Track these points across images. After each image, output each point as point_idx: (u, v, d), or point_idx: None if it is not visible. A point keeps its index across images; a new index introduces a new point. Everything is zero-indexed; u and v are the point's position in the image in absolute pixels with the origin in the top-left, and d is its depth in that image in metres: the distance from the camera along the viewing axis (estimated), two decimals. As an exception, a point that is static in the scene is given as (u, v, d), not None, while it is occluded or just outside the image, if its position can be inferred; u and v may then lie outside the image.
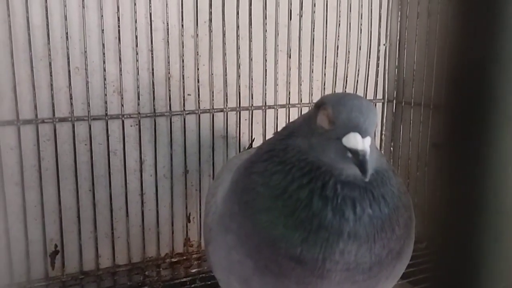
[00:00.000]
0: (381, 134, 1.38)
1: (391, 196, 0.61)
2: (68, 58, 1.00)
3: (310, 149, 0.61)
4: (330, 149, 0.59)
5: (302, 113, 1.26)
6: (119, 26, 1.04)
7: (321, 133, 0.60)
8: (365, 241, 0.58)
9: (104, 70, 1.04)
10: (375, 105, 1.36)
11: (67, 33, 1.00)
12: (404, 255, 0.65)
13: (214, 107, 1.16)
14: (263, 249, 0.60)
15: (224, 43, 1.15)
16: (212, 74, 1.15)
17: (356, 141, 0.56)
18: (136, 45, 1.06)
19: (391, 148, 1.38)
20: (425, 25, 1.24)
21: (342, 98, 0.61)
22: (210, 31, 1.13)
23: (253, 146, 1.16)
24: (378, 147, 1.36)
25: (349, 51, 1.30)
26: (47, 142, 1.03)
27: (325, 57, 1.27)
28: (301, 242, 0.58)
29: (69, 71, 1.01)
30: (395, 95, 1.36)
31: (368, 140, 0.57)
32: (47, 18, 0.98)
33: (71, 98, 1.02)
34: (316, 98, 1.25)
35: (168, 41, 1.09)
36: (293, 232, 0.58)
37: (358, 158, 0.56)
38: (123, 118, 1.08)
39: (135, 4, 1.04)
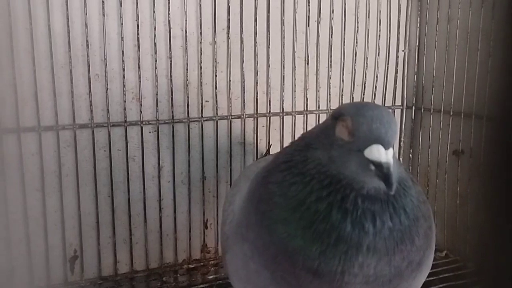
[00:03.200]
0: (400, 141, 1.36)
1: (411, 207, 0.61)
2: (89, 66, 1.02)
3: (330, 162, 0.60)
4: (351, 161, 0.58)
5: (320, 119, 1.25)
6: (138, 34, 1.05)
7: (341, 145, 0.59)
8: (384, 254, 0.57)
9: (124, 77, 1.05)
10: (394, 111, 1.35)
11: (87, 41, 1.01)
12: (424, 266, 0.64)
13: (232, 114, 1.16)
14: (280, 260, 0.59)
15: (242, 50, 1.15)
16: (230, 80, 1.15)
17: (379, 153, 0.56)
18: (155, 52, 1.07)
19: (410, 155, 1.37)
20: (445, 31, 1.23)
21: (361, 108, 0.59)
22: (228, 38, 1.13)
23: (270, 153, 1.16)
24: (397, 154, 1.35)
25: (367, 58, 1.29)
26: (67, 148, 1.04)
27: (343, 63, 1.26)
28: (319, 254, 0.57)
29: (89, 78, 1.02)
30: (414, 102, 1.34)
31: (391, 151, 0.56)
32: (68, 26, 0.99)
33: (91, 105, 1.03)
34: (334, 104, 1.25)
35: (186, 48, 1.10)
36: (311, 244, 0.58)
37: (382, 171, 0.55)
38: (142, 125, 1.09)
39: (154, 12, 1.05)
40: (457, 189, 1.20)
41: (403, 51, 1.34)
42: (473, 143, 1.15)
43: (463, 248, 1.20)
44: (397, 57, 1.32)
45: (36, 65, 0.98)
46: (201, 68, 1.12)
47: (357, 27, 1.26)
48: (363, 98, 1.30)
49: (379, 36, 1.29)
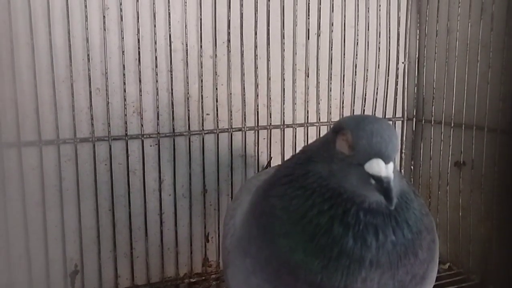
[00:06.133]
0: (401, 152, 1.36)
1: (414, 220, 0.60)
2: (89, 80, 1.02)
3: (331, 175, 0.60)
4: (351, 175, 0.58)
5: (321, 132, 1.25)
6: (139, 48, 1.05)
7: (342, 159, 0.59)
8: (388, 268, 0.57)
9: (124, 91, 1.06)
10: (394, 123, 1.35)
11: (88, 55, 1.01)
12: (428, 279, 0.63)
13: (233, 127, 1.16)
14: (282, 274, 0.59)
15: (242, 63, 1.15)
16: (231, 93, 1.16)
17: (379, 168, 0.55)
18: (156, 66, 1.08)
19: (411, 167, 1.36)
20: (444, 42, 1.23)
21: (361, 122, 0.59)
22: (229, 51, 1.14)
23: (271, 165, 1.16)
24: (398, 166, 1.34)
25: (367, 70, 1.29)
26: (68, 162, 1.04)
27: (343, 75, 1.26)
28: (321, 269, 0.57)
29: (90, 92, 1.02)
30: (414, 113, 1.34)
31: (391, 165, 0.56)
32: (69, 40, 1.00)
33: (92, 119, 1.03)
34: (335, 117, 1.25)
35: (187, 62, 1.10)
36: (313, 258, 0.57)
37: (382, 185, 0.54)
38: (142, 138, 1.09)
39: (154, 26, 1.06)
40: (459, 201, 1.20)
41: (403, 63, 1.34)
42: (474, 154, 1.15)
43: (466, 260, 1.19)
44: (397, 69, 1.33)
45: (37, 79, 0.98)
46: (201, 81, 1.12)
47: (357, 40, 1.27)
48: (364, 110, 1.30)
49: (379, 48, 1.30)
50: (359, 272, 0.56)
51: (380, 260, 0.57)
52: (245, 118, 1.17)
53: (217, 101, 1.14)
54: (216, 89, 1.14)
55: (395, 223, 0.58)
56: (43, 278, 1.02)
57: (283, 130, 1.22)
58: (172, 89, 1.10)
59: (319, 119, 1.26)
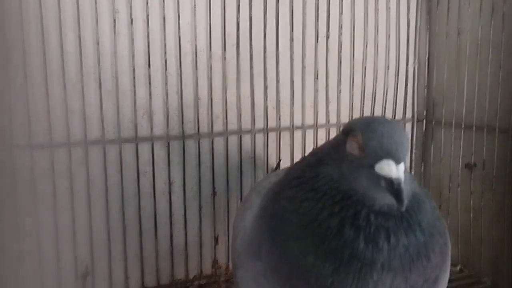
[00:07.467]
0: (411, 154, 1.35)
1: (426, 222, 0.60)
2: (100, 83, 1.03)
3: (341, 178, 0.60)
4: (362, 177, 0.57)
5: (330, 134, 1.25)
6: (149, 51, 1.06)
7: (352, 161, 0.59)
8: (400, 271, 0.56)
9: (134, 94, 1.06)
10: (404, 125, 1.34)
11: (99, 58, 1.02)
12: (440, 283, 0.63)
13: (242, 129, 1.16)
14: (293, 278, 0.59)
15: (251, 66, 1.15)
16: (240, 96, 1.16)
17: (390, 169, 0.55)
18: (166, 69, 1.08)
19: (422, 169, 1.36)
20: (454, 43, 1.22)
21: (372, 123, 0.59)
22: (238, 54, 1.14)
23: (280, 167, 1.16)
24: (408, 168, 1.34)
25: (377, 71, 1.29)
26: (79, 165, 1.04)
27: (353, 77, 1.26)
28: (332, 272, 0.56)
29: (100, 95, 1.03)
30: (425, 115, 1.34)
31: (402, 167, 0.55)
32: (80, 44, 1.00)
33: (102, 122, 1.04)
34: (344, 118, 1.25)
35: (196, 65, 1.11)
36: (324, 262, 0.57)
37: (393, 186, 0.54)
38: (152, 141, 1.09)
39: (164, 30, 1.07)
40: (470, 203, 1.19)
41: (413, 64, 1.34)
42: (485, 155, 1.14)
43: (478, 263, 1.18)
44: (406, 70, 1.32)
45: (48, 82, 0.99)
46: (211, 84, 1.13)
47: (366, 42, 1.26)
48: (373, 112, 1.30)
49: (389, 50, 1.29)
50: (370, 276, 0.56)
51: (392, 263, 0.56)
52: (254, 121, 1.17)
53: (226, 103, 1.14)
54: (226, 91, 1.14)
55: (407, 225, 0.58)
56: (54, 280, 1.03)
57: (293, 132, 1.22)
58: (181, 92, 1.10)
59: (329, 121, 1.25)
